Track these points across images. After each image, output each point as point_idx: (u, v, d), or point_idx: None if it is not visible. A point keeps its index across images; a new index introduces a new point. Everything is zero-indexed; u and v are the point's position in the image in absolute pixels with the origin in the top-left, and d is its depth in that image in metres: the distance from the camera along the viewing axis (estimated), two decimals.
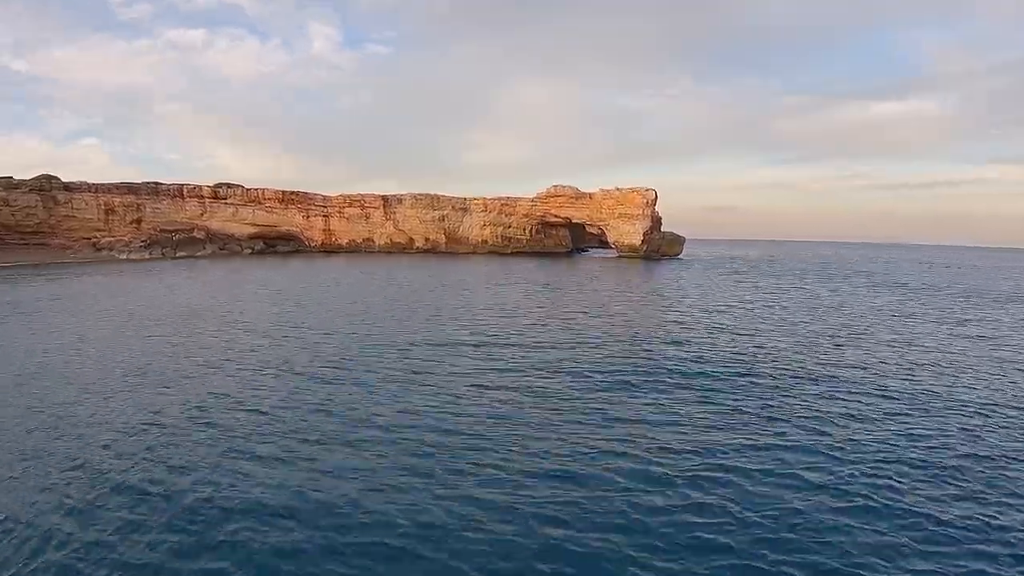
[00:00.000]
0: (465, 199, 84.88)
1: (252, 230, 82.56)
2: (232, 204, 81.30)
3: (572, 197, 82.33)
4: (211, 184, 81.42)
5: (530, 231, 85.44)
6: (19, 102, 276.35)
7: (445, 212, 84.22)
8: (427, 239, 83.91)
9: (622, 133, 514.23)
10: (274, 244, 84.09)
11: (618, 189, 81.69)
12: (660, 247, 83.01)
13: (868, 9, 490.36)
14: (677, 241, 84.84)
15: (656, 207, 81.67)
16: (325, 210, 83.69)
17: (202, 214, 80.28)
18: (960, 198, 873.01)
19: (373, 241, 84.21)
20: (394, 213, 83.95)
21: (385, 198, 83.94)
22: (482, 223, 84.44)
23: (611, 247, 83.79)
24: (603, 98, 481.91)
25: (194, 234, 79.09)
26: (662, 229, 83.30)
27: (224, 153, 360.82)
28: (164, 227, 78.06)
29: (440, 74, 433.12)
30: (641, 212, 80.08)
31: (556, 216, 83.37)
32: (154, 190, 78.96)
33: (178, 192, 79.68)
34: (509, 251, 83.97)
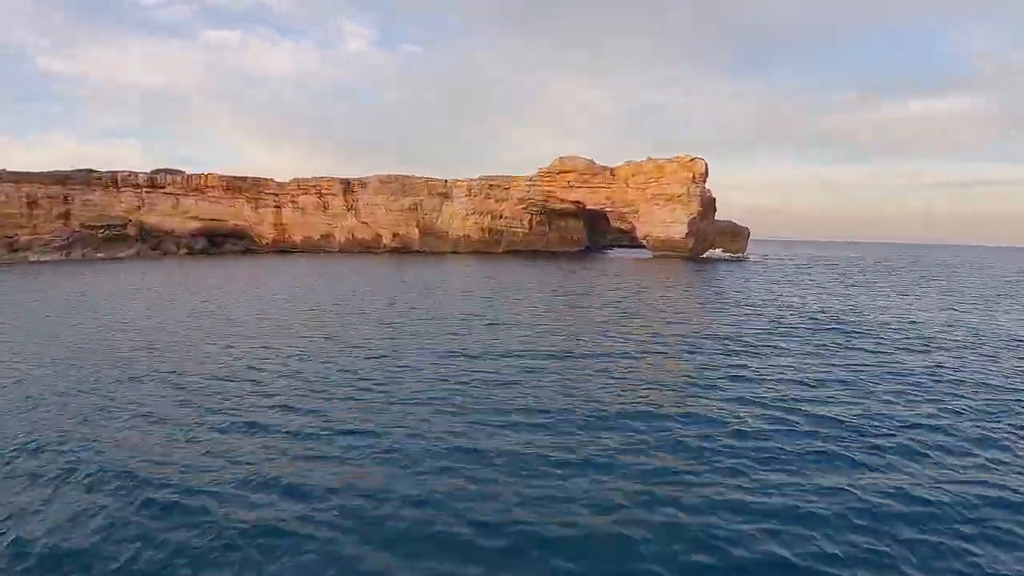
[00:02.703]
0: (445, 181, 64.32)
1: (195, 224, 68.17)
2: (172, 194, 67.44)
3: (586, 173, 58.88)
4: (148, 171, 68.21)
5: (528, 222, 63.01)
6: (56, 101, 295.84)
7: (419, 199, 64.20)
8: (396, 234, 64.39)
9: (648, 131, 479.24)
10: (222, 242, 69.29)
11: (651, 160, 57.11)
12: (714, 242, 57.13)
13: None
14: (738, 234, 58.09)
15: (707, 184, 56.09)
16: (277, 199, 67.27)
17: (139, 207, 67.12)
18: None
19: (333, 237, 66.43)
20: (356, 201, 65.49)
21: (346, 182, 65.72)
22: (465, 212, 63.40)
23: (643, 244, 59.26)
24: (626, 94, 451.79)
25: (127, 230, 66.22)
26: (715, 217, 57.31)
27: (256, 153, 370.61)
28: (93, 223, 65.77)
29: (464, 72, 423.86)
30: (686, 191, 54.88)
31: (563, 200, 60.28)
32: (85, 179, 66.78)
33: (112, 181, 67.11)
34: (500, 249, 62.36)
